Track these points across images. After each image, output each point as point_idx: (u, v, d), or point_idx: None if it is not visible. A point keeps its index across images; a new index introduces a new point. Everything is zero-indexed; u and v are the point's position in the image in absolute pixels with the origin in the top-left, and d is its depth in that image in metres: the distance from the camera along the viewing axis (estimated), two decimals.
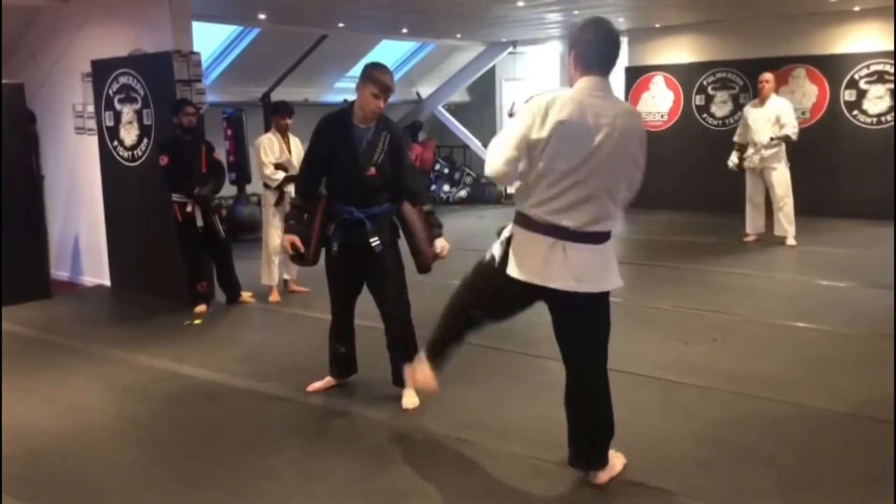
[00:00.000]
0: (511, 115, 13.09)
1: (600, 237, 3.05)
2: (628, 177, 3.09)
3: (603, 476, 3.32)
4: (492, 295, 3.27)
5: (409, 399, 4.22)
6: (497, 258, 3.15)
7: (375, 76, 4.02)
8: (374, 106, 4.04)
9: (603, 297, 3.15)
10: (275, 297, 6.77)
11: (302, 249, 4.15)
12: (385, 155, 4.13)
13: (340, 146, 4.12)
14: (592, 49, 3.00)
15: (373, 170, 4.12)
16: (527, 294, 3.14)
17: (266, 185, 6.70)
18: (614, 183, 3.03)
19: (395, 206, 4.21)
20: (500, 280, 3.12)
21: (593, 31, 3.01)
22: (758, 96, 8.52)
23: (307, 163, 4.31)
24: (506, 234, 3.16)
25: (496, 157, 3.02)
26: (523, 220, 3.08)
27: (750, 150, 8.47)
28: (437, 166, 13.66)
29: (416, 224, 4.17)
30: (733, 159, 8.65)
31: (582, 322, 3.18)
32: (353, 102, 4.17)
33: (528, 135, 2.92)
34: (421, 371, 3.48)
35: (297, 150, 6.79)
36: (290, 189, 6.69)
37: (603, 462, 3.32)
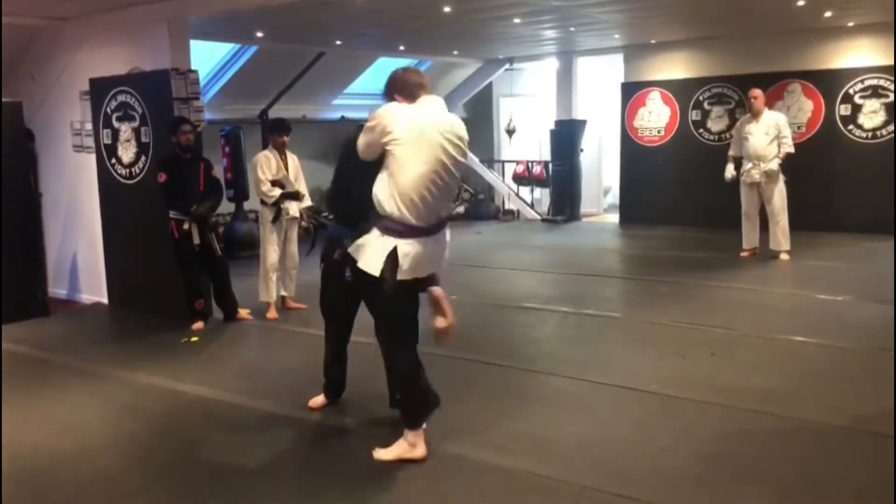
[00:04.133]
0: (509, 131, 13.18)
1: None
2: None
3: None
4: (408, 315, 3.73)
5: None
6: (386, 271, 3.48)
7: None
8: None
9: None
10: (272, 313, 6.75)
11: None
12: None
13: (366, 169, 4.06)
14: (406, 81, 3.64)
15: None
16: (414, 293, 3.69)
17: (263, 202, 6.71)
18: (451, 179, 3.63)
19: None
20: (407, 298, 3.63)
21: (402, 71, 3.71)
22: (750, 112, 8.58)
23: (343, 182, 4.13)
24: (384, 248, 3.48)
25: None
26: (405, 229, 3.48)
27: (747, 165, 8.51)
28: None
29: None
30: (730, 170, 8.70)
31: None
32: None
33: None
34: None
35: (295, 167, 6.81)
36: (288, 206, 6.71)
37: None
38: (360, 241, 3.62)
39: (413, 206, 3.45)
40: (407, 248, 3.47)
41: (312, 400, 4.55)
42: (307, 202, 6.84)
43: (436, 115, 3.58)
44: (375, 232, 3.54)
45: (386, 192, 3.47)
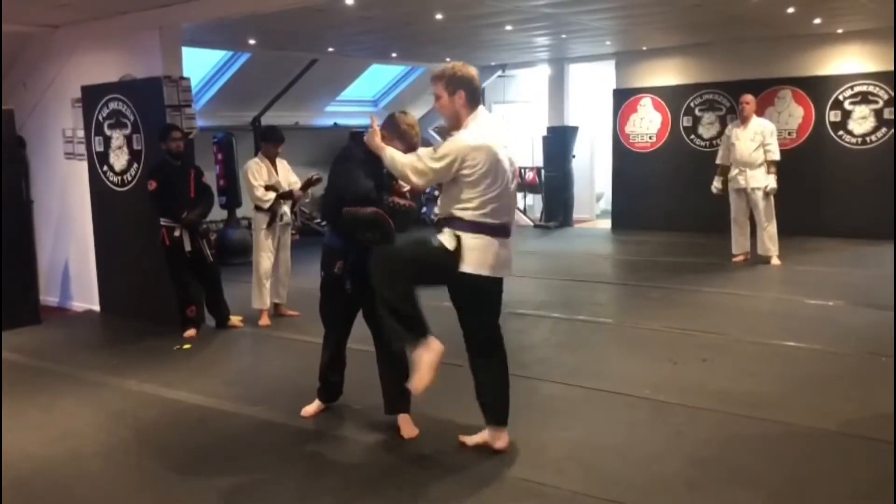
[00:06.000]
0: None
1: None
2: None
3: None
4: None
5: (408, 428, 4.19)
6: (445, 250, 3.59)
7: (402, 132, 4.02)
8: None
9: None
10: (265, 320, 6.74)
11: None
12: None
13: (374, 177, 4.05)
14: (477, 86, 3.68)
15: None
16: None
17: (257, 208, 6.69)
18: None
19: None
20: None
21: (472, 71, 3.65)
22: (739, 117, 8.62)
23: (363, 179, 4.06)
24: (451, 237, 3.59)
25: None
26: (471, 226, 3.60)
27: (734, 171, 8.55)
28: (428, 189, 13.68)
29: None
30: (717, 185, 8.77)
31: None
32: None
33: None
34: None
35: (286, 173, 6.80)
36: (284, 210, 6.71)
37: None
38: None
39: (487, 207, 3.59)
40: (473, 242, 3.61)
41: (305, 409, 4.54)
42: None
43: (496, 130, 3.70)
44: (464, 236, 3.61)
45: (457, 199, 3.60)
